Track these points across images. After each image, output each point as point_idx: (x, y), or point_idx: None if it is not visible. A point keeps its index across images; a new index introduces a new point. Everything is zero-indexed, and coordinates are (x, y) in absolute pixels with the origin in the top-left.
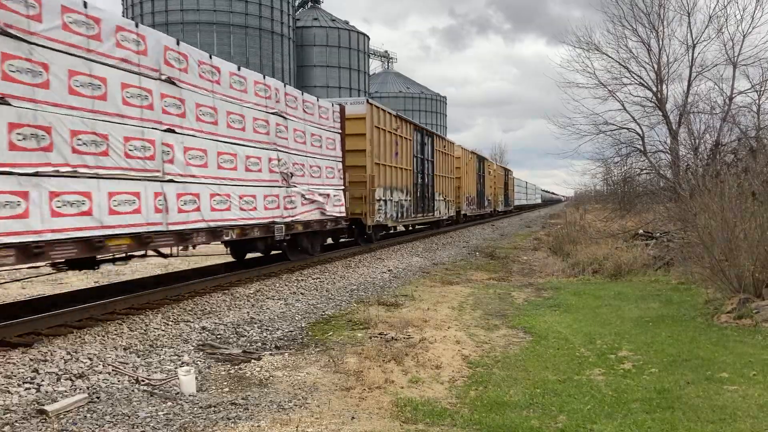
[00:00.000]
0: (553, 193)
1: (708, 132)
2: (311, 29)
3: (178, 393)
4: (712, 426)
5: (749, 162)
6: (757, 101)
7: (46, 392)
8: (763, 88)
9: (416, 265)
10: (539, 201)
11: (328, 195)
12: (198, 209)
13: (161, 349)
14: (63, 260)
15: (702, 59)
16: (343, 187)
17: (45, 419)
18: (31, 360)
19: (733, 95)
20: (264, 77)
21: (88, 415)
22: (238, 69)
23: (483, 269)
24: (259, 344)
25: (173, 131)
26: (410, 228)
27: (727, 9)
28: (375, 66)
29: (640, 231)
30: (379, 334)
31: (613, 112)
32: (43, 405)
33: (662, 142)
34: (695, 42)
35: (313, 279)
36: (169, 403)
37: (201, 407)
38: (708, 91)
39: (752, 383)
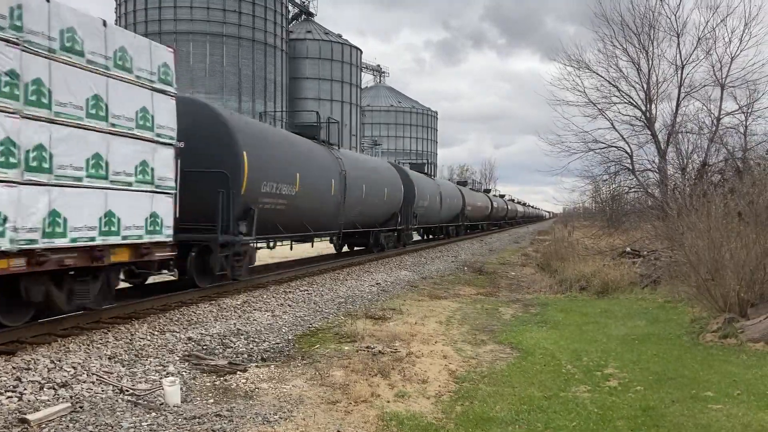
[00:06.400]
0: (528, 206)
1: (696, 152)
2: (304, 42)
3: (162, 404)
4: None
5: (736, 182)
6: (744, 122)
7: (29, 401)
8: (750, 110)
9: (404, 279)
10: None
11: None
12: None
13: (146, 359)
14: None
15: (691, 80)
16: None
17: (26, 428)
18: (13, 368)
19: (721, 116)
20: None
21: (71, 424)
22: None
23: (471, 284)
24: (246, 356)
25: None
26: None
27: (716, 31)
28: (367, 80)
29: (628, 249)
30: (366, 347)
31: (603, 130)
32: (25, 414)
33: (650, 161)
34: (684, 63)
35: (301, 291)
36: (153, 414)
37: (185, 418)
38: (696, 112)
39: (736, 402)
